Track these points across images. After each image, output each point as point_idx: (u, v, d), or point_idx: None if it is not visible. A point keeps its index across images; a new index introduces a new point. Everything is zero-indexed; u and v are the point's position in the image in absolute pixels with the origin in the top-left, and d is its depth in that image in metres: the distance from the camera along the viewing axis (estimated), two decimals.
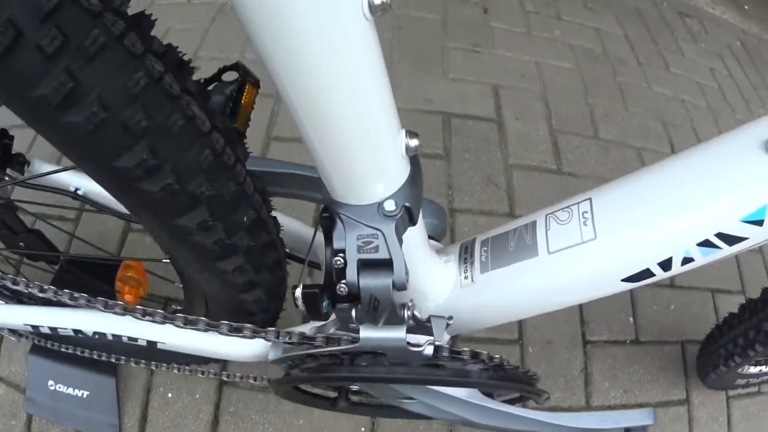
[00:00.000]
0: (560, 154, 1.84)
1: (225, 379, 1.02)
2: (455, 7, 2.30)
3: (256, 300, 0.73)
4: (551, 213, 0.68)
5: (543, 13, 2.41)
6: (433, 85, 1.95)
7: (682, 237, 0.60)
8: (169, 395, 1.25)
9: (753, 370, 1.25)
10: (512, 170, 1.76)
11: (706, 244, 0.59)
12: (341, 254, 0.55)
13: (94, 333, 0.76)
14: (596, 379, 1.40)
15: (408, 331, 0.58)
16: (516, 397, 0.84)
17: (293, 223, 0.90)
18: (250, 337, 0.65)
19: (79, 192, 0.90)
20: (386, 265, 0.55)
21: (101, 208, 0.91)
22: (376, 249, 0.54)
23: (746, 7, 3.01)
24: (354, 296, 0.57)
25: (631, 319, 1.51)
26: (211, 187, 0.53)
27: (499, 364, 0.67)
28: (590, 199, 0.66)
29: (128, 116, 0.43)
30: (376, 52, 0.45)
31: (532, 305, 0.72)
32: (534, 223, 0.69)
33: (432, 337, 0.61)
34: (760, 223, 0.56)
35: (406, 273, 0.55)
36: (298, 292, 0.58)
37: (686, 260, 0.61)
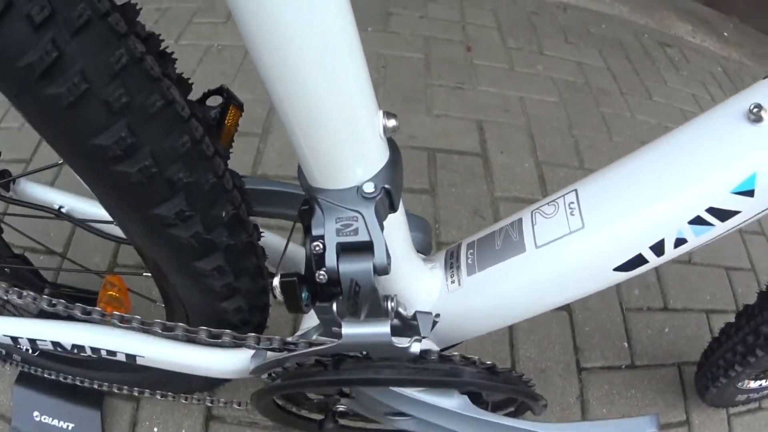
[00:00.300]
0: (546, 186, 1.84)
1: (209, 405, 1.00)
2: (439, 46, 2.34)
3: (237, 309, 0.71)
4: (537, 208, 0.67)
5: (525, 49, 2.44)
6: (418, 122, 1.96)
7: (673, 216, 0.58)
8: (155, 429, 1.22)
9: (753, 384, 1.22)
10: (499, 203, 1.75)
11: (698, 221, 0.58)
12: (320, 240, 0.54)
13: (73, 346, 0.73)
14: (593, 405, 1.37)
15: (392, 327, 0.56)
16: (511, 410, 0.82)
17: (275, 239, 0.88)
18: (230, 344, 0.63)
19: (63, 210, 0.89)
20: (366, 248, 0.53)
21: (86, 228, 0.90)
22: (356, 231, 0.53)
23: (726, 34, 3.06)
24: (334, 282, 0.55)
25: (626, 344, 1.49)
26: (189, 174, 0.53)
27: (491, 367, 0.66)
28: (576, 190, 0.65)
29: (109, 92, 0.44)
30: (352, 31, 0.46)
31: (524, 306, 0.69)
32: (520, 220, 0.68)
33: (418, 335, 0.60)
34: (750, 193, 0.55)
35: (388, 257, 0.53)
36: (276, 280, 0.56)
37: (679, 242, 0.59)
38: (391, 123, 0.53)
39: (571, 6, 2.81)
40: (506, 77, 2.26)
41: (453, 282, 0.71)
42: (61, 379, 0.98)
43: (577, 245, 0.62)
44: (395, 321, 0.60)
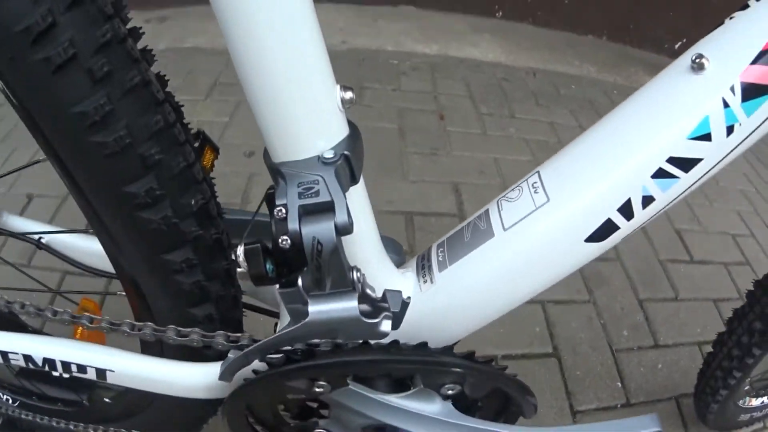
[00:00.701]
0: None
1: None
2: (412, 116, 2.40)
3: (208, 318, 0.70)
4: (502, 197, 0.67)
5: (497, 114, 2.50)
6: (394, 188, 1.98)
7: (635, 173, 0.58)
8: None
9: (755, 402, 1.20)
10: None
11: (661, 174, 0.57)
12: (283, 206, 0.54)
13: (44, 360, 0.71)
14: None
15: (361, 311, 0.56)
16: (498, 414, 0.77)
17: None
18: (198, 343, 0.62)
19: (42, 241, 0.89)
20: (328, 209, 0.54)
21: (65, 259, 0.89)
22: (317, 193, 0.54)
23: None
24: (297, 249, 0.54)
25: (619, 384, 1.45)
26: (160, 152, 0.56)
27: (470, 353, 0.64)
28: (538, 171, 0.65)
29: (93, 63, 0.49)
30: (309, 7, 0.49)
31: (501, 294, 0.67)
32: (486, 211, 0.67)
33: (388, 312, 0.59)
34: (707, 137, 0.55)
35: (349, 216, 0.54)
36: (240, 249, 0.57)
37: (646, 200, 0.59)
38: (348, 95, 0.55)
39: (540, 70, 2.90)
40: (480, 141, 2.30)
41: (426, 282, 0.69)
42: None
43: (545, 220, 0.61)
44: (364, 306, 0.58)
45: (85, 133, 0.51)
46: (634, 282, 1.75)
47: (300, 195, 0.54)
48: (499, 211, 0.65)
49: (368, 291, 0.60)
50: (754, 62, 0.54)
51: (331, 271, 0.55)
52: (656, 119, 0.58)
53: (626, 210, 0.59)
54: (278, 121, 0.54)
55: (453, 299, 0.68)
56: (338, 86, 0.55)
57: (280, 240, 0.54)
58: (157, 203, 0.58)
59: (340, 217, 0.53)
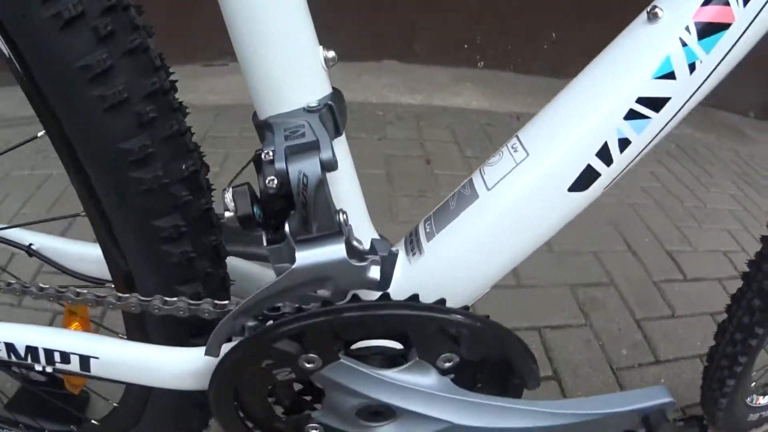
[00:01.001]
0: (517, 270, 1.84)
1: None
2: (399, 162, 2.44)
3: (195, 296, 0.69)
4: (484, 164, 0.68)
5: (482, 156, 2.52)
6: (383, 229, 1.98)
7: (608, 116, 0.60)
8: None
9: (762, 401, 1.18)
10: None
11: (633, 115, 0.59)
12: (270, 150, 0.56)
13: (26, 350, 0.70)
14: None
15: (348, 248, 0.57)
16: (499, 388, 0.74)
17: (243, 264, 0.87)
18: (184, 312, 0.63)
19: (33, 247, 0.87)
20: (313, 147, 0.55)
21: (56, 266, 0.88)
22: (303, 135, 0.55)
23: None
24: (284, 189, 0.55)
25: None
26: (155, 110, 0.58)
27: (466, 308, 0.64)
28: (516, 135, 0.66)
29: (98, 23, 0.53)
30: None
31: (493, 256, 0.67)
32: (470, 179, 0.68)
33: (375, 256, 0.60)
34: (672, 75, 0.58)
35: (334, 154, 0.55)
36: (228, 192, 0.57)
37: (623, 143, 0.60)
38: (331, 54, 0.59)
39: (523, 114, 2.97)
40: None
41: (415, 254, 0.70)
42: None
43: (527, 173, 0.63)
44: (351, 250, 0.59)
45: (87, 87, 0.54)
46: (630, 303, 1.74)
47: (286, 137, 0.56)
48: (482, 176, 0.66)
49: (355, 243, 0.60)
50: (704, 4, 0.58)
51: (318, 211, 0.56)
52: (621, 66, 0.60)
53: (604, 155, 0.61)
54: (265, 76, 0.57)
55: (444, 265, 0.67)
56: (321, 47, 0.59)
57: (267, 181, 0.55)
58: (150, 162, 0.59)
59: (325, 153, 0.55)
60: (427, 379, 0.66)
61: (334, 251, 0.57)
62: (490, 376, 0.70)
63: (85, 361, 0.69)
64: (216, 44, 2.68)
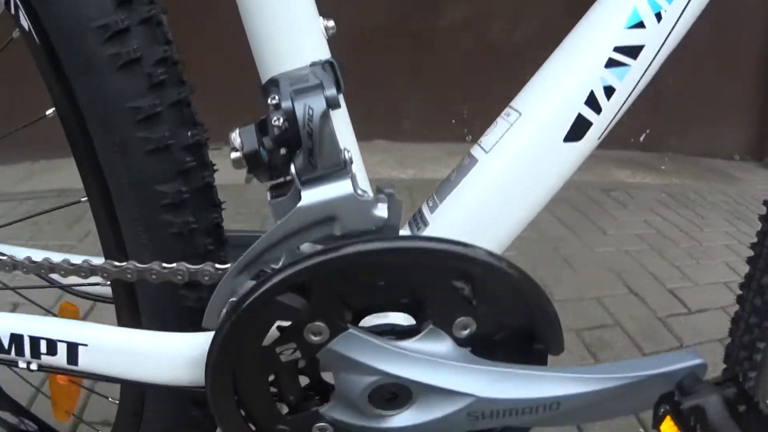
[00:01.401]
0: None
1: None
2: None
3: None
4: (480, 139, 0.70)
5: None
6: None
7: (590, 67, 0.64)
8: None
9: None
10: None
11: (613, 64, 0.64)
12: (276, 95, 0.58)
13: (11, 339, 0.66)
14: None
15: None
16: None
17: None
18: (184, 276, 0.62)
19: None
20: (318, 87, 0.57)
21: (48, 280, 0.86)
22: (308, 80, 0.58)
23: (663, 168, 3.35)
24: (290, 125, 0.56)
25: (642, 430, 1.41)
26: (164, 73, 0.62)
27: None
28: (508, 105, 0.69)
29: None
30: None
31: (498, 218, 0.68)
32: (468, 153, 0.70)
33: (381, 194, 0.60)
34: (642, 25, 0.64)
35: (338, 91, 0.58)
36: (234, 132, 0.58)
37: (608, 90, 0.65)
38: (330, 23, 0.63)
39: None
40: None
41: (419, 229, 0.70)
42: None
43: (522, 131, 0.66)
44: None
45: (103, 45, 0.59)
46: (637, 340, 1.73)
47: (291, 83, 0.58)
48: (480, 146, 0.69)
49: (359, 191, 0.60)
50: None
51: (323, 146, 0.57)
52: (598, 21, 0.66)
53: (593, 103, 0.65)
54: (270, 37, 0.61)
55: (450, 232, 0.67)
56: (321, 17, 0.63)
57: (273, 120, 0.56)
58: (157, 122, 0.62)
59: (329, 91, 0.57)
60: (444, 350, 0.63)
61: (340, 187, 0.57)
62: (509, 347, 0.67)
63: (72, 350, 0.67)
64: (214, 128, 2.73)
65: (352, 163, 0.59)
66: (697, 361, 0.66)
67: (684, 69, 3.20)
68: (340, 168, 0.58)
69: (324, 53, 0.62)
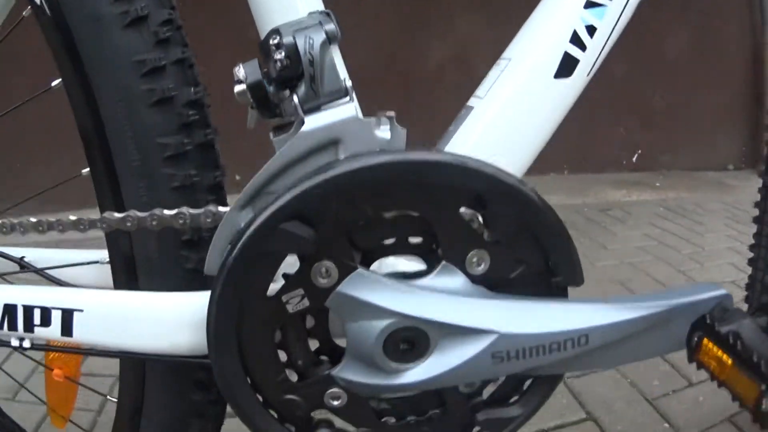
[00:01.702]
0: None
1: None
2: None
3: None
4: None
5: None
6: None
7: (570, 8, 0.67)
8: None
9: None
10: None
11: (591, 4, 0.67)
12: (277, 35, 0.58)
13: (4, 310, 0.64)
14: None
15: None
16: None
17: None
18: (186, 219, 0.61)
19: (25, 259, 0.84)
20: (317, 24, 0.58)
21: (50, 278, 0.84)
22: (307, 24, 0.58)
23: (658, 184, 3.38)
24: (292, 59, 0.57)
25: (666, 425, 1.36)
26: (170, 32, 0.65)
27: None
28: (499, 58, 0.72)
29: None
30: None
31: (498, 159, 0.64)
32: (464, 106, 0.71)
33: (383, 115, 0.60)
34: None
35: (337, 27, 0.58)
36: (238, 66, 0.58)
37: (590, 29, 0.67)
38: None
39: None
40: None
41: None
42: None
43: (514, 73, 0.68)
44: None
45: (110, 5, 0.61)
46: None
47: (292, 25, 0.59)
48: (475, 96, 0.70)
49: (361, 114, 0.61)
50: None
51: (325, 73, 0.57)
52: None
53: (577, 41, 0.67)
54: None
55: None
56: None
57: (275, 56, 0.57)
58: (161, 75, 0.64)
59: (328, 26, 0.58)
60: (459, 286, 0.61)
61: (343, 111, 0.58)
62: (526, 284, 0.64)
63: (67, 318, 0.64)
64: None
65: (353, 90, 0.59)
66: (724, 291, 0.66)
67: (670, 84, 3.26)
68: (342, 94, 0.59)
69: (319, 5, 0.64)
